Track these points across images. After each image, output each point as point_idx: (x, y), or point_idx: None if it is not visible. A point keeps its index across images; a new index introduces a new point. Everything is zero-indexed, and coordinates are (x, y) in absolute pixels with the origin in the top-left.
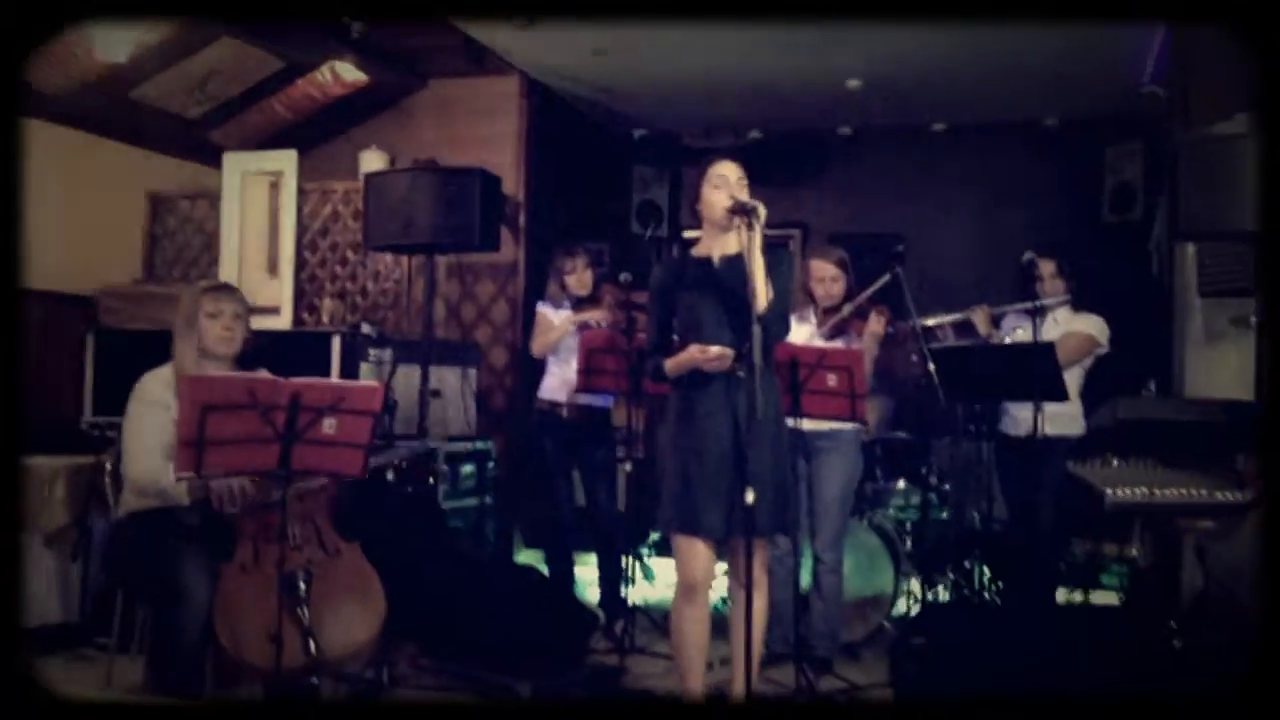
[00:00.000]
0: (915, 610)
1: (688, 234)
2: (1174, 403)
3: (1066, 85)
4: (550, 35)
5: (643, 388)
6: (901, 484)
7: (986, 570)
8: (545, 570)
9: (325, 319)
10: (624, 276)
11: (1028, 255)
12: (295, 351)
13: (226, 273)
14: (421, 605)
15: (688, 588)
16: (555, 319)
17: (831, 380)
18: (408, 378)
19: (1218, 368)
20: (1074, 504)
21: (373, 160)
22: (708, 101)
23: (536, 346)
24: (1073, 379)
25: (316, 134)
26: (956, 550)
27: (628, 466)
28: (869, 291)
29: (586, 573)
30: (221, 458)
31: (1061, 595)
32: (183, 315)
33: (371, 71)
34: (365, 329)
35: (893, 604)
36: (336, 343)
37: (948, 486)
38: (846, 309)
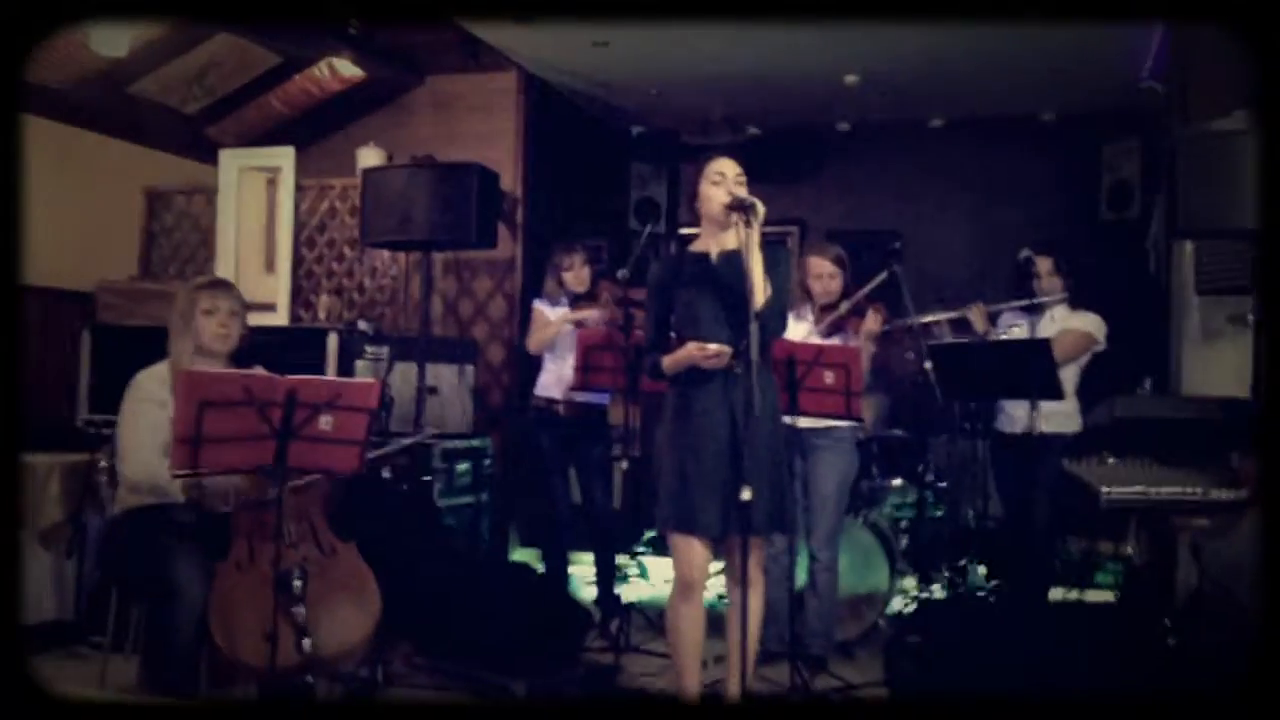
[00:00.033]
0: (910, 608)
1: (685, 231)
2: (1170, 401)
3: (1064, 80)
4: (548, 30)
5: (640, 385)
6: (897, 482)
7: (982, 568)
8: (541, 568)
9: (322, 315)
10: (621, 273)
11: (1025, 252)
12: (292, 348)
13: (223, 269)
14: (417, 604)
15: (684, 586)
16: (551, 316)
17: (828, 377)
18: (404, 375)
19: (1215, 366)
20: (1069, 502)
21: (370, 156)
22: (705, 97)
23: (532, 343)
24: (1069, 376)
25: (314, 130)
26: (952, 548)
27: (624, 464)
28: (866, 289)
29: (582, 571)
30: (218, 454)
31: (1056, 593)
32: (178, 312)
33: (369, 67)
34: (362, 326)
35: (888, 602)
36: (333, 339)
37: (944, 484)
38: (844, 306)
